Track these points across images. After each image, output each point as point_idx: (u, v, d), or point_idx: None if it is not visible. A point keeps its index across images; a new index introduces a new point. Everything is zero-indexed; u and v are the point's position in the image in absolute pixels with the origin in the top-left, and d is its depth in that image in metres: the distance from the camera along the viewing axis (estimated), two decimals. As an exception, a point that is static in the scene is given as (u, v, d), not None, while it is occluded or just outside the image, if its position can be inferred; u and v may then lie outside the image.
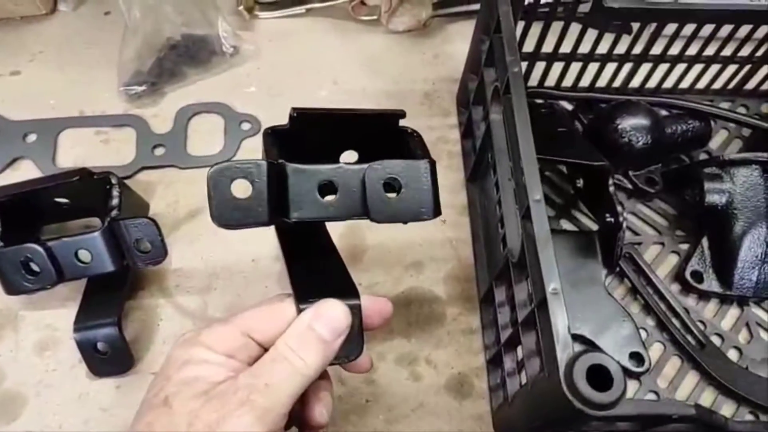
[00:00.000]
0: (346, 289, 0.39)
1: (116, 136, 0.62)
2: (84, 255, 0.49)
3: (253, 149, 0.62)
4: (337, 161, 0.42)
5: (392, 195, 0.40)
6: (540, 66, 0.64)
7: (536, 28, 0.58)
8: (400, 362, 0.53)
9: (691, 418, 0.34)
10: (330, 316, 0.36)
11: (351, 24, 0.72)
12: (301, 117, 0.40)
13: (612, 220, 0.54)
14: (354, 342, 0.38)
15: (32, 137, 0.60)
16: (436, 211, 0.41)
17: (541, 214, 0.39)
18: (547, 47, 0.61)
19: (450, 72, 0.69)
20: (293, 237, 0.42)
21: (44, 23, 0.68)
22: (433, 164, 0.42)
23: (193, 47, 0.67)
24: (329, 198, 0.39)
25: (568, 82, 0.65)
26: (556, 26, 0.59)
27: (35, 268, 0.48)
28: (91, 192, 0.52)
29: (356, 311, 0.38)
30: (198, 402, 0.32)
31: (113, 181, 0.51)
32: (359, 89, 0.67)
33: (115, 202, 0.50)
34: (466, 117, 0.62)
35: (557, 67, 0.64)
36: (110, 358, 0.49)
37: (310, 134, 0.42)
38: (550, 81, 0.65)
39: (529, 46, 0.61)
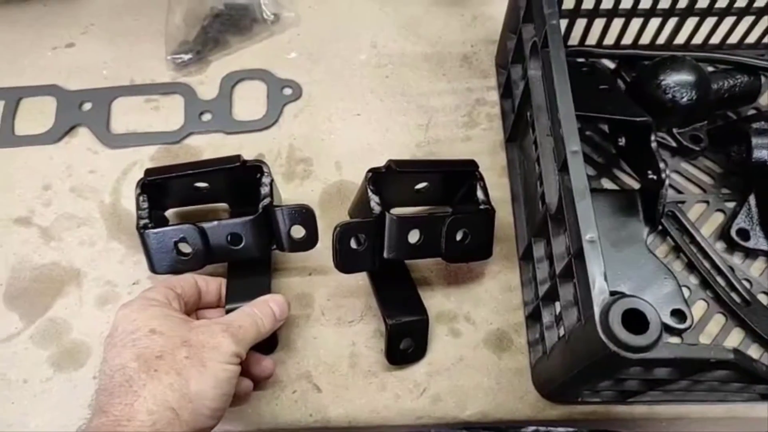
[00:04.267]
0: (417, 309, 0.52)
1: (165, 104, 0.64)
2: (235, 239, 0.50)
3: (294, 114, 0.64)
4: (414, 193, 0.55)
5: (463, 241, 0.51)
6: (581, 24, 0.62)
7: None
8: (439, 320, 0.54)
9: (730, 363, 0.34)
10: (280, 301, 0.48)
11: (390, -12, 0.72)
12: (399, 165, 0.51)
13: (654, 177, 0.54)
14: None
15: (87, 106, 0.63)
16: (490, 253, 0.54)
17: (578, 165, 0.40)
18: (588, 3, 0.60)
19: (489, 33, 0.68)
20: (381, 267, 0.50)
21: (95, -4, 0.70)
22: (494, 213, 0.53)
23: (235, 15, 0.68)
24: (413, 240, 0.50)
25: (609, 39, 0.64)
26: (598, -19, 0.58)
27: (186, 249, 0.50)
28: (233, 178, 0.53)
29: (422, 324, 0.52)
30: (185, 327, 0.43)
31: (265, 169, 0.52)
32: (398, 52, 0.68)
33: (266, 189, 0.51)
34: (505, 77, 0.62)
35: (598, 24, 0.62)
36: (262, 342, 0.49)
37: (400, 176, 0.52)
38: (591, 39, 0.64)
39: (569, 3, 0.60)
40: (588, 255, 0.37)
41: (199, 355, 0.41)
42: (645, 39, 0.64)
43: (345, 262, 0.48)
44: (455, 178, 0.55)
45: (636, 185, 0.59)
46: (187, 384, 0.40)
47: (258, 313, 0.46)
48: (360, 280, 0.54)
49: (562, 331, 0.46)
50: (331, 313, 0.54)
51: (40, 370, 0.52)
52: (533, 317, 0.52)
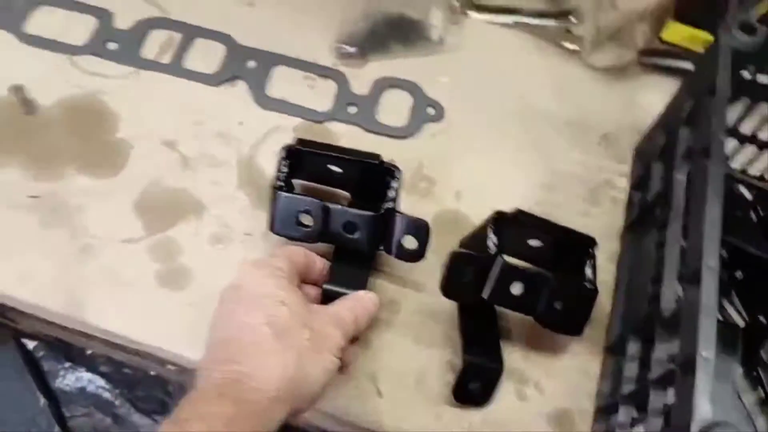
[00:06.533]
0: (496, 356, 0.53)
1: (320, 84, 0.68)
2: (351, 228, 0.52)
3: (432, 134, 0.66)
4: (523, 246, 0.55)
5: (560, 310, 0.52)
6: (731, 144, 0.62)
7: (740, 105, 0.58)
8: (509, 376, 0.54)
9: None
10: (377, 303, 0.50)
11: (552, 47, 0.74)
12: (524, 216, 0.53)
13: (765, 322, 0.53)
14: None
15: (252, 63, 0.68)
16: (581, 332, 0.54)
17: (712, 281, 0.40)
18: (745, 129, 0.60)
19: (635, 120, 0.69)
20: (472, 308, 0.54)
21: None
22: (596, 294, 0.54)
23: (405, 27, 0.72)
24: (516, 291, 0.51)
25: (755, 170, 0.64)
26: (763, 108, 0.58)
27: (307, 221, 0.52)
28: (365, 172, 0.56)
29: (496, 373, 0.53)
30: (306, 309, 0.45)
31: (397, 175, 0.54)
32: (542, 111, 0.69)
33: (393, 194, 0.53)
34: (641, 168, 0.63)
35: (749, 150, 0.62)
36: None
37: (521, 227, 0.54)
38: (735, 164, 0.64)
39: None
40: (699, 372, 0.37)
41: (318, 342, 0.43)
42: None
43: (450, 287, 0.50)
44: (569, 247, 0.56)
45: (741, 322, 0.58)
46: (304, 365, 0.42)
47: (359, 309, 0.48)
48: (449, 307, 0.56)
49: (635, 433, 0.46)
50: (412, 328, 0.56)
51: (148, 279, 0.55)
52: (606, 411, 0.52)
